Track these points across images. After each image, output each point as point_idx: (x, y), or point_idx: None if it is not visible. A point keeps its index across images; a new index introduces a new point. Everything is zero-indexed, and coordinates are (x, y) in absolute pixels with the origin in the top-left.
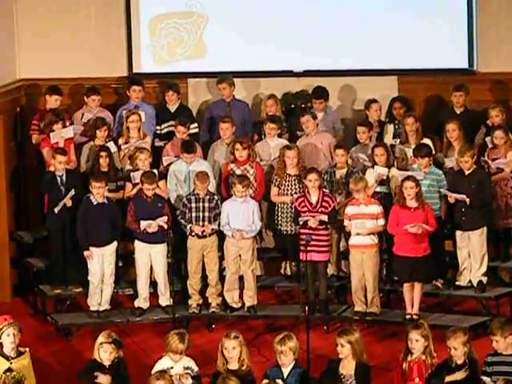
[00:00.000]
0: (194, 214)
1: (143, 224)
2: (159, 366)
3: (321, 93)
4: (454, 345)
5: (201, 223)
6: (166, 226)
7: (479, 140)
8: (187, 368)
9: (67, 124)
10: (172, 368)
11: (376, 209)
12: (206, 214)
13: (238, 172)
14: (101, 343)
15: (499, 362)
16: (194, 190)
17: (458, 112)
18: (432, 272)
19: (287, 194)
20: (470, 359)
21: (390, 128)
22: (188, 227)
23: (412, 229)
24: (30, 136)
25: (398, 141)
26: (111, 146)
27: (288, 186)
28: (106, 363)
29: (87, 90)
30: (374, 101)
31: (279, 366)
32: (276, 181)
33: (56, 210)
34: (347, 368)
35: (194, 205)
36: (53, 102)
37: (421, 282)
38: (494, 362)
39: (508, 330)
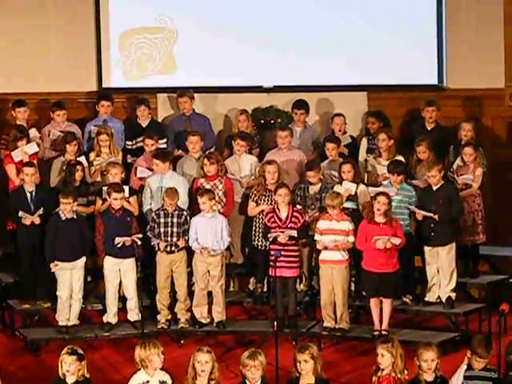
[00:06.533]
0: (162, 230)
1: (118, 240)
2: (134, 380)
3: (302, 104)
4: (431, 356)
5: (169, 238)
6: (139, 242)
7: (450, 159)
8: (162, 382)
9: (31, 140)
10: (148, 382)
11: (347, 225)
12: (175, 229)
13: (207, 187)
14: (62, 355)
15: (473, 377)
16: (163, 205)
17: (429, 128)
18: (399, 288)
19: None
20: (439, 377)
21: (364, 142)
22: (155, 242)
23: (378, 243)
24: None
25: (371, 156)
26: (83, 160)
27: (268, 201)
28: (70, 381)
29: (52, 105)
30: (337, 115)
31: (245, 382)
32: (254, 195)
33: (23, 221)
34: None
35: (162, 220)
36: (20, 115)
37: (388, 298)
38: (467, 377)
39: (491, 349)
